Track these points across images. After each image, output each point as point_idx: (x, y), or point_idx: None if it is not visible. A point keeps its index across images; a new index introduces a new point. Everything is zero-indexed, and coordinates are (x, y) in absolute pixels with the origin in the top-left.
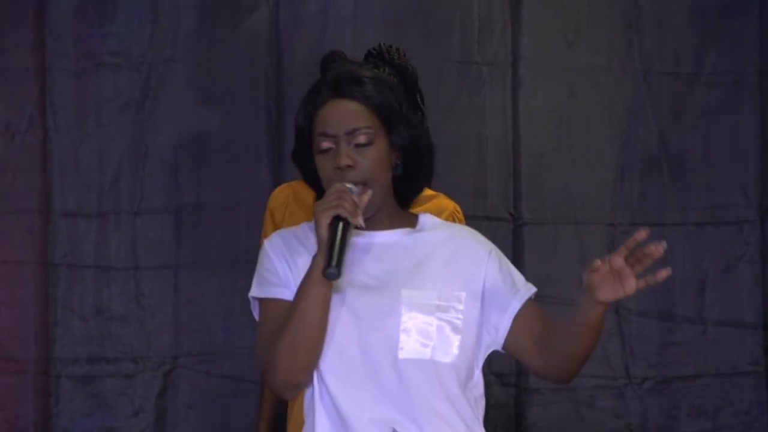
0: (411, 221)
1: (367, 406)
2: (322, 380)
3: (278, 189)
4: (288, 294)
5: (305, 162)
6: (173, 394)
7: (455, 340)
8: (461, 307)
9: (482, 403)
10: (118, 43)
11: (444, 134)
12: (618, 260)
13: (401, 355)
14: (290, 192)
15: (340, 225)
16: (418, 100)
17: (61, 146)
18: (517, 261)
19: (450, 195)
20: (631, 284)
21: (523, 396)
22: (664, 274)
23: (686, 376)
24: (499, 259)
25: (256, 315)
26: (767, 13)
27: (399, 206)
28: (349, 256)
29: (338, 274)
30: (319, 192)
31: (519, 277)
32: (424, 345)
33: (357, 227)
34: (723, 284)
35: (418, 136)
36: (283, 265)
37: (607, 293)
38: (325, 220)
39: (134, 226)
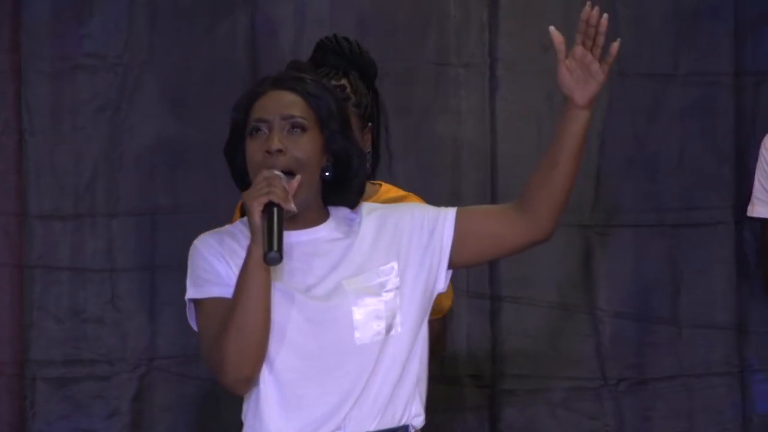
0: (328, 215)
1: (330, 398)
2: (279, 381)
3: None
4: (229, 292)
5: (236, 158)
6: (149, 397)
7: (401, 309)
8: (397, 278)
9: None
10: (94, 45)
11: (420, 136)
12: (578, 48)
13: (359, 341)
14: None
15: (275, 210)
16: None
17: (36, 148)
18: (493, 263)
19: (426, 196)
20: (597, 69)
21: (498, 397)
22: (615, 45)
23: (661, 377)
24: (416, 206)
25: (192, 320)
26: (742, 15)
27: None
28: (285, 259)
29: (280, 258)
30: (242, 188)
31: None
32: (378, 325)
33: (289, 212)
34: (698, 286)
35: (351, 148)
36: (222, 265)
37: (583, 92)
38: (258, 207)
39: (110, 228)
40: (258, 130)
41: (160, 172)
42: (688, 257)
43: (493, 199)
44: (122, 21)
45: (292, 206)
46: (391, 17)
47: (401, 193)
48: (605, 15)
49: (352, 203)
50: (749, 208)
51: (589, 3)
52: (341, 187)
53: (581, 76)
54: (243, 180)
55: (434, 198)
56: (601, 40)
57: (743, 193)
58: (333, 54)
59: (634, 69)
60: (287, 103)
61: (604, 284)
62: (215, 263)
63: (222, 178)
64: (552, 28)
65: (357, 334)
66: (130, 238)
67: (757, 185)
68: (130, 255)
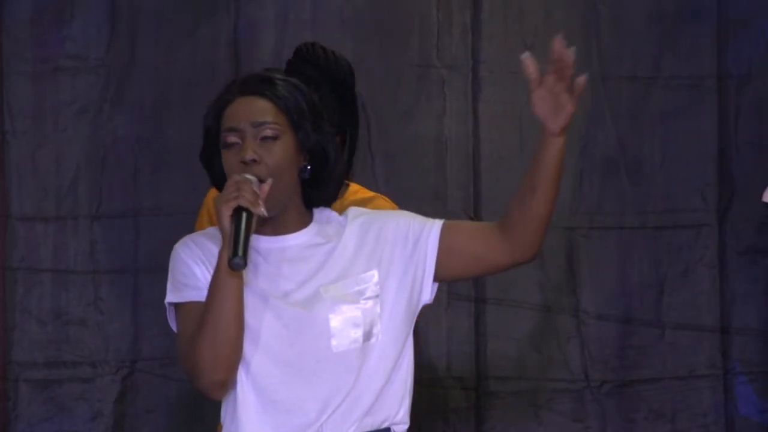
0: (311, 218)
1: (307, 404)
2: (256, 385)
3: (216, 191)
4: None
5: (213, 165)
6: (132, 399)
7: (381, 318)
8: (377, 286)
9: (411, 371)
10: (76, 46)
11: (403, 138)
12: (548, 78)
13: (335, 349)
14: None
15: (243, 215)
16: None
17: (18, 150)
18: None
19: (409, 198)
20: (567, 100)
21: (482, 400)
22: (582, 78)
23: (645, 379)
24: (403, 215)
25: (172, 323)
26: (724, 18)
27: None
28: (264, 265)
29: (244, 263)
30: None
31: (428, 218)
32: (355, 333)
33: (260, 217)
34: (681, 288)
35: (326, 141)
36: (201, 269)
37: (555, 120)
38: (227, 212)
39: (93, 230)
40: (232, 141)
41: (143, 174)
42: (672, 259)
43: (476, 200)
44: (104, 23)
45: (262, 210)
46: (374, 19)
47: (369, 194)
48: (572, 48)
49: (332, 197)
50: (765, 194)
51: (559, 36)
52: (321, 182)
53: (553, 105)
54: (223, 185)
55: (417, 199)
56: (568, 72)
57: (726, 195)
58: (308, 64)
59: (617, 71)
60: (257, 110)
61: (587, 286)
62: (194, 267)
63: (204, 180)
64: (524, 57)
65: (334, 342)
66: (112, 240)
67: None
68: (113, 257)
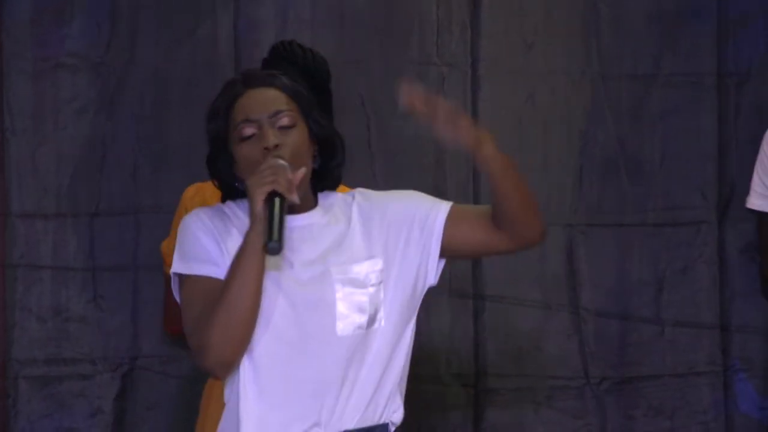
0: (317, 201)
1: (306, 386)
2: (257, 366)
3: (192, 189)
4: (218, 272)
5: (218, 165)
6: (132, 395)
7: (384, 304)
8: (382, 272)
9: (408, 359)
10: (77, 45)
11: (403, 136)
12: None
13: (340, 333)
14: (204, 193)
15: (277, 200)
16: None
17: (18, 148)
18: (476, 262)
19: None
20: (455, 117)
21: (481, 397)
22: (447, 105)
23: (644, 376)
24: (411, 198)
25: (176, 292)
26: (724, 16)
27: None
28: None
29: (280, 248)
30: (229, 195)
31: (435, 199)
32: (360, 318)
33: (292, 203)
34: (680, 285)
35: (331, 129)
36: (212, 243)
37: (462, 138)
38: (261, 196)
39: (92, 228)
40: (250, 132)
41: (143, 172)
42: (671, 256)
43: (475, 198)
44: (104, 22)
45: (294, 197)
46: (374, 17)
47: (348, 191)
48: (417, 86)
49: (336, 184)
50: (747, 199)
51: (405, 82)
52: (327, 170)
53: (452, 128)
54: (230, 189)
55: None
56: (430, 101)
57: (726, 193)
58: (285, 61)
59: (617, 70)
60: (271, 100)
61: (587, 283)
62: (204, 241)
63: (203, 178)
64: (402, 103)
65: (339, 325)
66: (112, 238)
67: (755, 179)
68: (113, 254)
